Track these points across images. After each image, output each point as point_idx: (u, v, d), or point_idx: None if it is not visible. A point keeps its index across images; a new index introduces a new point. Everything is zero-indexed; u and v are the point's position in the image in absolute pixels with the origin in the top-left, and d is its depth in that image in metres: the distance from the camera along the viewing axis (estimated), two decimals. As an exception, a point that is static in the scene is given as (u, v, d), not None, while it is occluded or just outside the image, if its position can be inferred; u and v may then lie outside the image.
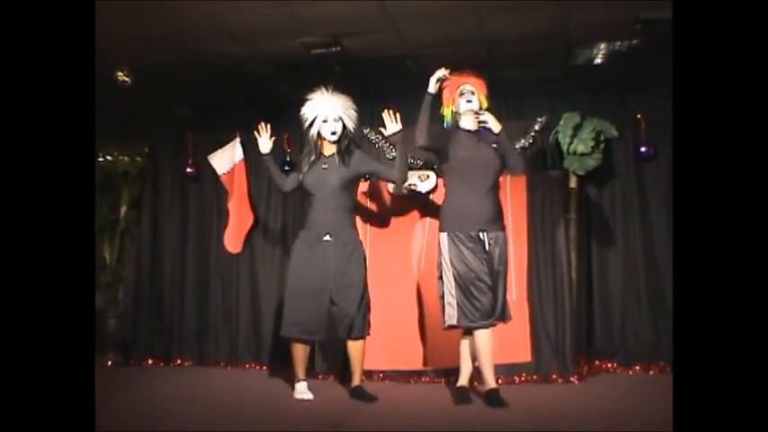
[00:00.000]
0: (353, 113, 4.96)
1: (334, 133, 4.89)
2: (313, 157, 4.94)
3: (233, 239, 6.58)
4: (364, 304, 4.85)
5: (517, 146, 5.84)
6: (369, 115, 6.32)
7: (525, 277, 5.59)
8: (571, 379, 5.41)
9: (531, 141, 6.10)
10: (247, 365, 6.42)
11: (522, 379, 5.39)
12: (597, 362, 5.89)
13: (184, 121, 7.29)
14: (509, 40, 5.61)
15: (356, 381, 4.95)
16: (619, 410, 4.46)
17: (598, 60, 6.06)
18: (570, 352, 5.51)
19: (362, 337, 4.88)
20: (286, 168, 6.49)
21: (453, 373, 4.96)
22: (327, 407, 4.64)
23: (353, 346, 4.88)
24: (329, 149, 4.94)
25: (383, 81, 6.46)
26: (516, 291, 5.49)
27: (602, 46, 5.80)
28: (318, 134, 4.92)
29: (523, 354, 5.45)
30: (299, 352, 4.93)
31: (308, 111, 4.94)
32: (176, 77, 6.40)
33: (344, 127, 4.92)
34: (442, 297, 4.65)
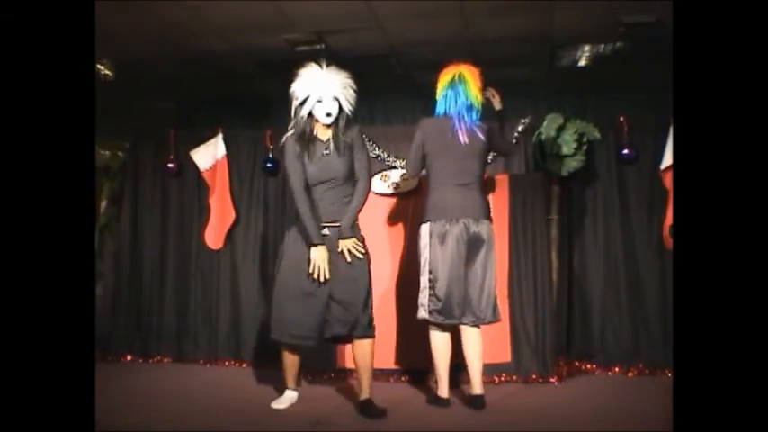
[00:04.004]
0: (352, 93, 4.37)
1: (329, 115, 4.29)
2: (311, 145, 4.33)
3: (214, 236, 6.55)
4: (369, 301, 4.33)
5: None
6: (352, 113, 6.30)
7: (506, 277, 5.60)
8: (550, 379, 5.44)
9: (514, 142, 6.11)
10: (227, 363, 6.40)
11: (502, 379, 5.41)
12: (576, 363, 5.93)
13: (166, 116, 7.25)
14: (493, 41, 5.62)
15: (365, 393, 4.38)
16: (598, 411, 4.48)
17: (582, 62, 6.09)
18: (550, 352, 5.53)
19: (368, 337, 4.33)
20: (268, 166, 6.48)
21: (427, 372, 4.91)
22: (306, 405, 4.62)
23: (360, 348, 4.35)
24: (324, 133, 4.37)
25: (367, 79, 6.43)
26: (497, 291, 5.49)
27: (586, 48, 5.83)
28: (310, 115, 4.32)
29: (503, 354, 5.46)
30: (289, 358, 4.47)
31: (299, 87, 4.32)
32: (159, 72, 6.36)
33: (341, 108, 4.33)
34: (492, 290, 4.64)
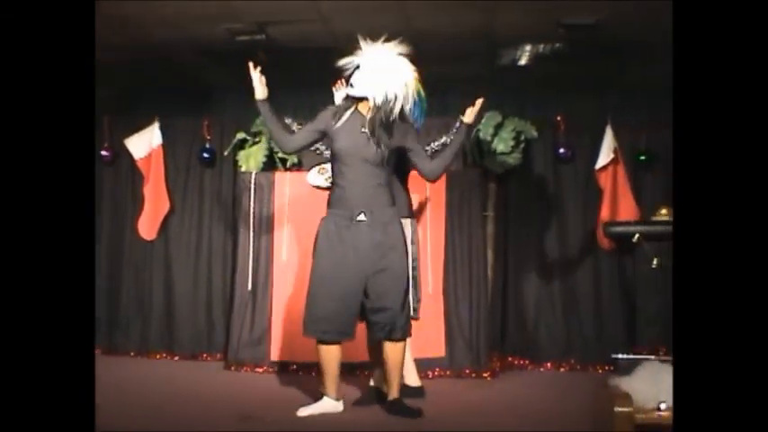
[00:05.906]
0: (402, 88, 4.00)
1: (351, 85, 4.04)
2: (349, 112, 4.07)
3: (148, 226, 6.44)
4: (407, 301, 4.05)
5: (439, 142, 5.89)
6: (292, 106, 6.26)
7: (442, 273, 5.64)
8: (484, 374, 5.49)
9: (452, 138, 6.14)
10: (158, 356, 6.30)
11: (436, 374, 5.43)
12: (510, 358, 6.01)
13: (101, 102, 7.06)
14: (435, 37, 5.64)
15: (394, 393, 4.12)
16: (530, 407, 4.53)
17: (522, 62, 6.15)
18: (484, 348, 5.59)
19: (404, 339, 4.08)
20: (205, 156, 6.39)
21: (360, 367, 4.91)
22: (242, 397, 4.57)
23: (393, 350, 4.03)
24: (365, 109, 4.07)
25: (309, 72, 6.41)
26: (432, 286, 5.54)
27: (527, 48, 5.89)
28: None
29: (437, 349, 5.50)
30: (329, 357, 4.03)
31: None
32: (96, 59, 6.21)
33: (389, 99, 3.99)
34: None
